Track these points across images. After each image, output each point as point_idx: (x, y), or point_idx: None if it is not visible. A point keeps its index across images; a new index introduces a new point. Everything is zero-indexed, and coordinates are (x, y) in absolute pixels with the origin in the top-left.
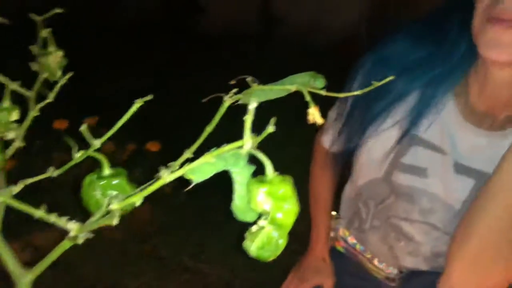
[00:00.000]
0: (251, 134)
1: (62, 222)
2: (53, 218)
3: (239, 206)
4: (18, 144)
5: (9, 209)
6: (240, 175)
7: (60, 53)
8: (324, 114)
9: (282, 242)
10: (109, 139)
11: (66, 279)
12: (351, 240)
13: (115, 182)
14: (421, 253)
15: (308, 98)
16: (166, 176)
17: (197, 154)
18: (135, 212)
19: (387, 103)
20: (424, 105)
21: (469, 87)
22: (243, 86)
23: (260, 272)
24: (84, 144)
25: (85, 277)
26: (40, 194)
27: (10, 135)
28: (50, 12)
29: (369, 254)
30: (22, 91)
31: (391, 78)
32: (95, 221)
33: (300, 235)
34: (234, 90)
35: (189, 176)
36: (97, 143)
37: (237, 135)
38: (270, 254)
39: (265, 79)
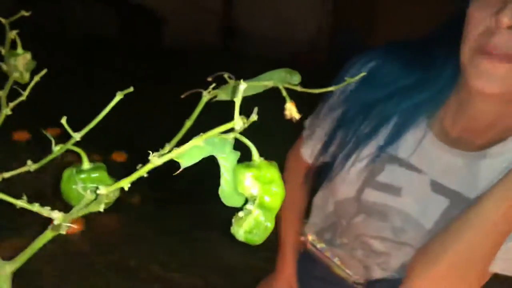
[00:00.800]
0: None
1: (45, 211)
2: (36, 207)
3: (226, 191)
4: None
5: None
6: (227, 160)
7: (28, 56)
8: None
9: (270, 226)
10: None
11: None
12: (320, 245)
13: (95, 175)
14: (390, 266)
15: (284, 93)
16: (156, 160)
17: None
18: (101, 223)
19: (373, 126)
20: (403, 126)
21: (444, 111)
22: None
23: (232, 279)
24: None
25: None
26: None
27: None
28: (17, 14)
29: (338, 261)
30: None
31: (363, 74)
32: (80, 209)
33: (272, 242)
34: (212, 85)
35: (178, 160)
36: (76, 136)
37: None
38: (258, 237)
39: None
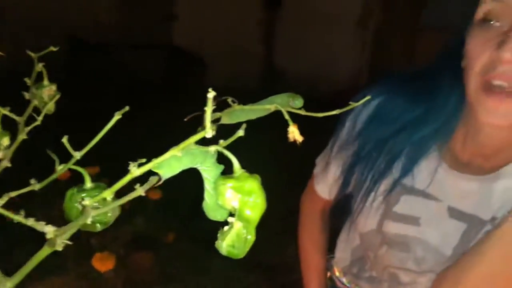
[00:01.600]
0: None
1: (39, 225)
2: (30, 222)
3: (209, 204)
4: (5, 164)
5: None
6: (209, 173)
7: (53, 87)
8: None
9: (250, 238)
10: None
11: None
12: (346, 279)
13: (95, 194)
14: None
15: (287, 117)
16: (135, 170)
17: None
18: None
19: (387, 161)
20: (415, 158)
21: (453, 139)
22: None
23: None
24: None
25: None
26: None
27: None
28: (46, 49)
29: None
30: (13, 116)
31: (368, 98)
32: (74, 225)
33: None
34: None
35: (157, 171)
36: (77, 155)
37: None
38: (240, 251)
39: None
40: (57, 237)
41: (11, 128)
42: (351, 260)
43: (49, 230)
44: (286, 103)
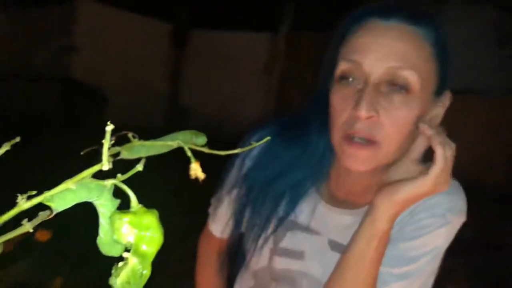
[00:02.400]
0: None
1: None
2: None
3: (104, 240)
4: None
5: None
6: (105, 207)
7: None
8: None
9: (146, 273)
10: None
11: None
12: None
13: None
14: None
15: (189, 154)
16: (23, 203)
17: None
18: None
19: (273, 204)
20: (296, 198)
21: (329, 179)
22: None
23: None
24: None
25: None
26: None
27: None
28: None
29: None
30: None
31: (268, 138)
32: None
33: None
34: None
35: (49, 204)
36: None
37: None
38: (135, 287)
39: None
40: None
41: None
42: None
43: None
44: (189, 140)
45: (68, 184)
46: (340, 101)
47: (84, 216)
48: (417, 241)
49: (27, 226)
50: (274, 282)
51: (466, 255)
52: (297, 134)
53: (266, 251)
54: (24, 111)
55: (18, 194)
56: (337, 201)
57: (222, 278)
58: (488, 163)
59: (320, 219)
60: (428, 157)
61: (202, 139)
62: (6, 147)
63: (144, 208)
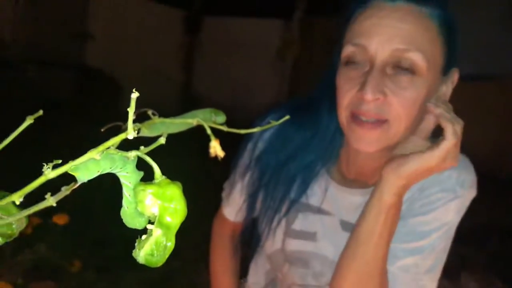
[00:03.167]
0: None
1: None
2: None
3: (128, 211)
4: None
5: None
6: (129, 179)
7: None
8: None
9: (170, 245)
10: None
11: None
12: None
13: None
14: None
15: (209, 131)
16: (49, 172)
17: None
18: None
19: (286, 187)
20: (308, 179)
21: (339, 160)
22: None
23: None
24: None
25: None
26: None
27: None
28: None
29: None
30: None
31: (287, 117)
32: None
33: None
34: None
35: (73, 173)
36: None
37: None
38: (159, 259)
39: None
40: None
41: None
42: (264, 284)
43: None
44: (208, 118)
45: (93, 153)
46: (345, 82)
47: (101, 200)
48: (428, 216)
49: (50, 200)
50: (287, 263)
51: (481, 243)
52: (308, 116)
53: (279, 234)
54: (38, 97)
55: (44, 164)
56: (347, 182)
57: (236, 261)
58: (503, 150)
59: (331, 200)
60: (435, 134)
61: (221, 117)
62: (29, 120)
63: (168, 180)
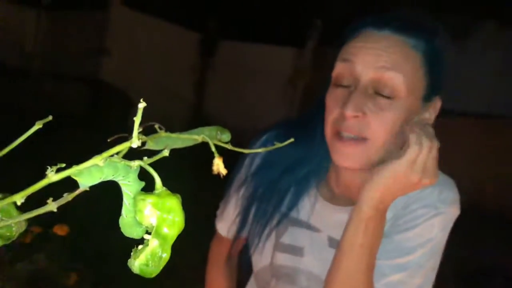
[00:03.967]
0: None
1: None
2: None
3: (126, 220)
4: None
5: None
6: (130, 188)
7: None
8: None
9: (166, 257)
10: None
11: None
12: None
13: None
14: None
15: (213, 148)
16: (52, 175)
17: None
18: None
19: (278, 200)
20: (299, 194)
21: (329, 177)
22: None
23: None
24: None
25: None
26: None
27: None
28: None
29: None
30: None
31: (291, 140)
32: None
33: None
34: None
35: (76, 178)
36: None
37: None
38: (153, 269)
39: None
40: None
41: None
42: None
43: None
44: (214, 136)
45: (97, 160)
46: (332, 101)
47: (102, 214)
48: (411, 232)
49: (52, 205)
50: (274, 279)
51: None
52: (303, 133)
53: (268, 248)
54: (53, 108)
55: (48, 166)
56: (334, 198)
57: (231, 281)
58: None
59: (319, 216)
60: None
61: (227, 136)
62: (38, 125)
63: (168, 191)
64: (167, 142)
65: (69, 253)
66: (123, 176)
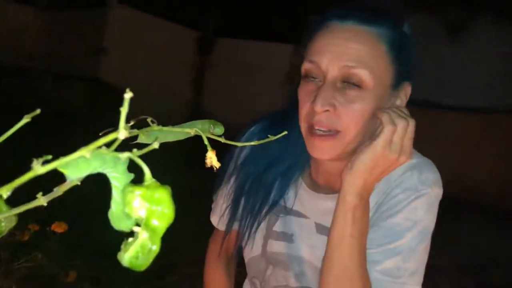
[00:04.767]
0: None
1: None
2: None
3: (115, 213)
4: None
5: None
6: (119, 180)
7: None
8: None
9: (155, 249)
10: None
11: None
12: None
13: None
14: None
15: (206, 142)
16: (38, 168)
17: None
18: None
19: (266, 192)
20: (285, 184)
21: (310, 166)
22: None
23: None
24: None
25: None
26: None
27: None
28: None
29: None
30: None
31: (284, 133)
32: None
33: None
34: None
35: (62, 170)
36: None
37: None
38: (143, 262)
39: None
40: None
41: None
42: None
43: None
44: (206, 129)
45: (83, 152)
46: (303, 96)
47: (100, 211)
48: (397, 217)
49: (41, 200)
50: (271, 266)
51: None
52: (283, 127)
53: (259, 238)
54: (53, 107)
55: (34, 159)
56: (318, 187)
57: (229, 275)
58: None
59: (305, 204)
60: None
61: (220, 129)
62: (26, 118)
63: (157, 183)
64: (159, 136)
65: (68, 251)
66: (111, 168)
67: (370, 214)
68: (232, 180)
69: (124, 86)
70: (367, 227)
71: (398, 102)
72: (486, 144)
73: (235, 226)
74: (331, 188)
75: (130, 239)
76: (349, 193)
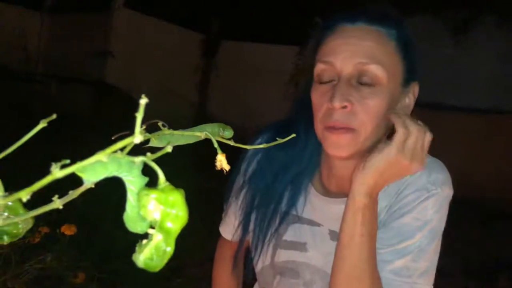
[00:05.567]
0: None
1: None
2: None
3: (130, 215)
4: None
5: None
6: (133, 184)
7: None
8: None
9: (170, 250)
10: None
11: None
12: None
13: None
14: None
15: (216, 145)
16: (57, 172)
17: None
18: None
19: (276, 203)
20: (296, 192)
21: (320, 172)
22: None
23: None
24: None
25: None
26: None
27: None
28: None
29: None
30: None
31: (293, 135)
32: None
33: None
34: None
35: (80, 174)
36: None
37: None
38: (158, 263)
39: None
40: None
41: None
42: None
43: None
44: (216, 133)
45: (100, 156)
46: (319, 97)
47: (109, 214)
48: (407, 217)
49: (57, 203)
50: (278, 275)
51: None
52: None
53: (269, 248)
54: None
55: (52, 163)
56: (330, 193)
57: (237, 282)
58: None
59: (318, 210)
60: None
61: (229, 132)
62: (43, 123)
63: (171, 186)
64: (170, 139)
65: (77, 253)
66: (126, 172)
67: (381, 216)
68: (242, 195)
69: (129, 89)
70: (376, 226)
71: (406, 101)
72: (490, 144)
73: (247, 237)
74: (343, 193)
75: (145, 241)
76: (359, 193)
